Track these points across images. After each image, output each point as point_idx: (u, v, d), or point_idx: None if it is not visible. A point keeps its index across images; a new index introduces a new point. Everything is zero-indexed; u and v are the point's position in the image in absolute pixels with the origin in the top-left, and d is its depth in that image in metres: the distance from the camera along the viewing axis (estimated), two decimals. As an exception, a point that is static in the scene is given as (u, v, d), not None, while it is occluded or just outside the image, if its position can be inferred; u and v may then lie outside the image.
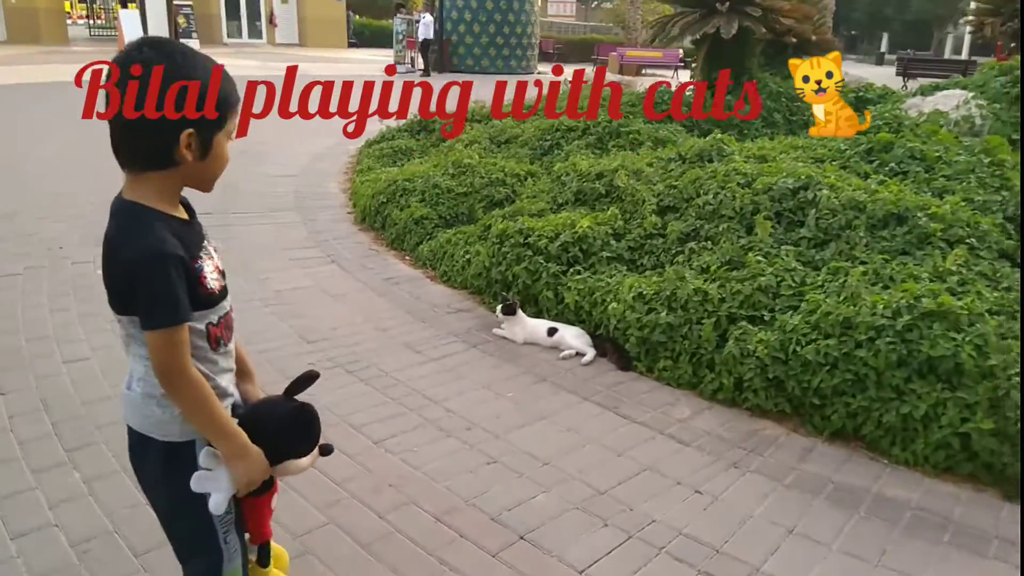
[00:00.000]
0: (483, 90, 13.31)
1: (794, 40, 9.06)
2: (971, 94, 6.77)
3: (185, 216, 1.55)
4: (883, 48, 49.85)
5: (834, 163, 4.83)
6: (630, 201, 4.76)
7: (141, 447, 1.57)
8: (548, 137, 6.76)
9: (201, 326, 1.51)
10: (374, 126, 9.19)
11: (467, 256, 4.83)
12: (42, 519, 2.42)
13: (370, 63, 27.51)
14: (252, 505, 1.74)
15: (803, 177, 4.28)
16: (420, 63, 23.73)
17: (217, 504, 1.54)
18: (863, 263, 3.69)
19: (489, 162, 6.16)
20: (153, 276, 1.38)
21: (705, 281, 3.78)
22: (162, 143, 1.41)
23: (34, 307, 4.17)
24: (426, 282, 4.98)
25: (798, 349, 3.22)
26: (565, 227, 4.44)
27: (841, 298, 3.35)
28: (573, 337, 3.93)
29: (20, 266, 4.81)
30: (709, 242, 4.19)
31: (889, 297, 3.22)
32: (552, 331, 3.98)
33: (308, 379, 1.68)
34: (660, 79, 22.41)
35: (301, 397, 1.70)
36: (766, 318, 3.53)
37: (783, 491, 2.80)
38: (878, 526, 2.60)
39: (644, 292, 3.83)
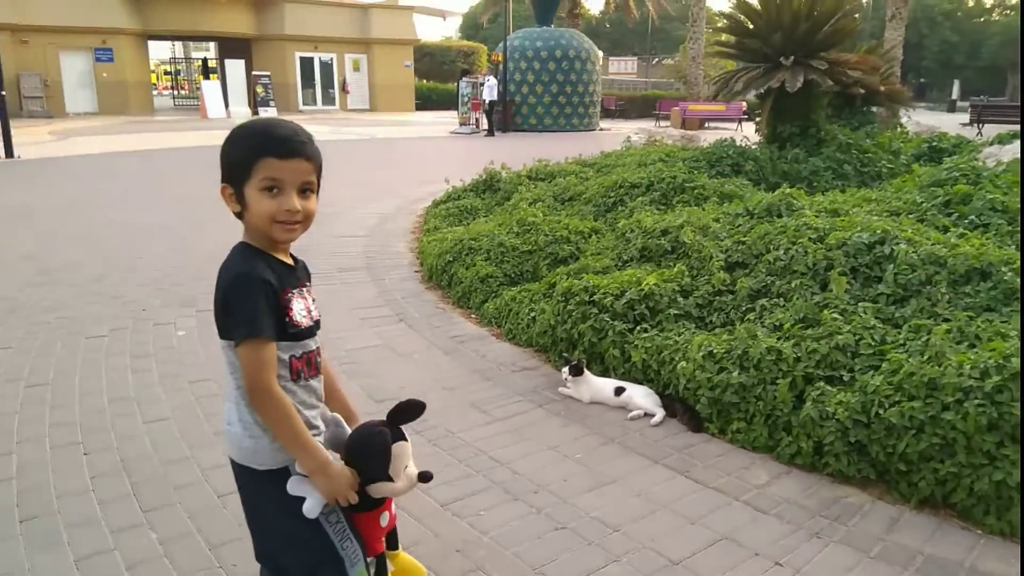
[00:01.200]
0: (547, 148, 13.57)
1: (862, 91, 8.94)
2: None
3: (290, 262, 1.76)
4: (954, 95, 48.71)
5: (910, 216, 4.68)
6: (696, 258, 4.70)
7: (243, 477, 1.72)
8: (612, 194, 6.77)
9: (285, 356, 1.67)
10: (440, 186, 9.39)
11: (532, 314, 4.83)
12: (119, 580, 2.47)
13: (436, 125, 28.36)
14: (358, 520, 1.84)
15: (879, 231, 4.15)
16: (485, 123, 24.30)
17: (310, 508, 1.66)
18: (946, 320, 3.53)
19: (553, 220, 6.20)
20: (240, 293, 1.59)
21: (779, 340, 3.67)
22: (222, 196, 1.69)
23: (117, 369, 4.33)
24: (491, 340, 4.99)
25: (881, 412, 3.08)
26: (631, 284, 4.41)
27: (925, 358, 3.20)
28: (641, 397, 3.86)
29: (106, 328, 5.03)
30: (781, 299, 4.08)
31: (976, 356, 3.06)
32: (619, 390, 3.92)
33: (414, 408, 1.88)
34: (724, 131, 22.32)
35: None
36: (845, 379, 3.40)
37: (870, 564, 2.64)
38: (977, 605, 2.43)
39: (714, 351, 3.74)
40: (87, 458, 3.29)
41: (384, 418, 1.89)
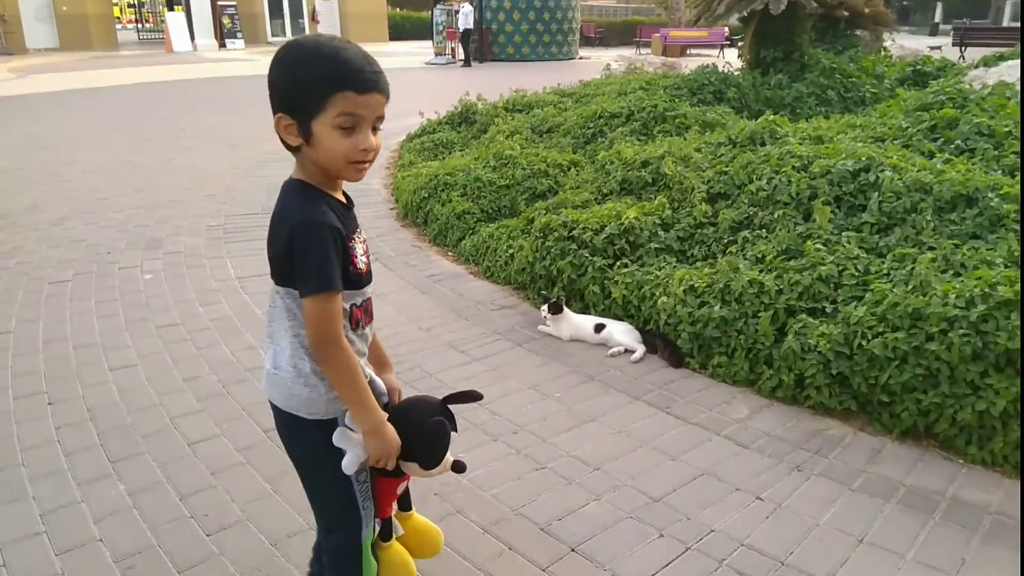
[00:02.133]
0: (524, 78, 13.19)
1: (846, 14, 8.71)
2: (1041, 62, 6.37)
3: (344, 201, 1.63)
4: (937, 18, 48.02)
5: (896, 142, 4.57)
6: (678, 189, 4.58)
7: (289, 425, 1.65)
8: (591, 125, 6.59)
9: (346, 305, 1.58)
10: (414, 119, 9.12)
11: (510, 251, 4.72)
12: (87, 534, 2.40)
13: (411, 55, 27.58)
14: (379, 483, 1.81)
15: (863, 158, 4.05)
16: (461, 53, 23.66)
17: (348, 463, 1.61)
18: (931, 249, 3.47)
19: (531, 153, 6.03)
20: (313, 242, 1.46)
21: (761, 272, 3.60)
22: (277, 127, 1.51)
23: (82, 314, 4.20)
24: (469, 278, 4.89)
25: (864, 343, 3.03)
26: (610, 219, 4.29)
27: (909, 287, 3.14)
28: (622, 333, 3.79)
29: (69, 272, 4.86)
30: (764, 230, 3.99)
31: (962, 286, 3.00)
32: (599, 327, 3.85)
33: (471, 396, 1.83)
34: (705, 57, 21.88)
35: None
36: (828, 310, 3.34)
37: (851, 496, 2.62)
38: (956, 533, 2.42)
39: (696, 285, 3.67)
40: (52, 408, 3.18)
41: (441, 399, 1.82)
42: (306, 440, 1.65)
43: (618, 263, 4.10)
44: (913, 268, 3.29)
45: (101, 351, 3.74)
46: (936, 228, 3.60)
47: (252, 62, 24.03)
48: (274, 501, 2.58)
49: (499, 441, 2.98)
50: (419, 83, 17.42)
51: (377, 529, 1.88)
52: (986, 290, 2.91)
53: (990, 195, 3.62)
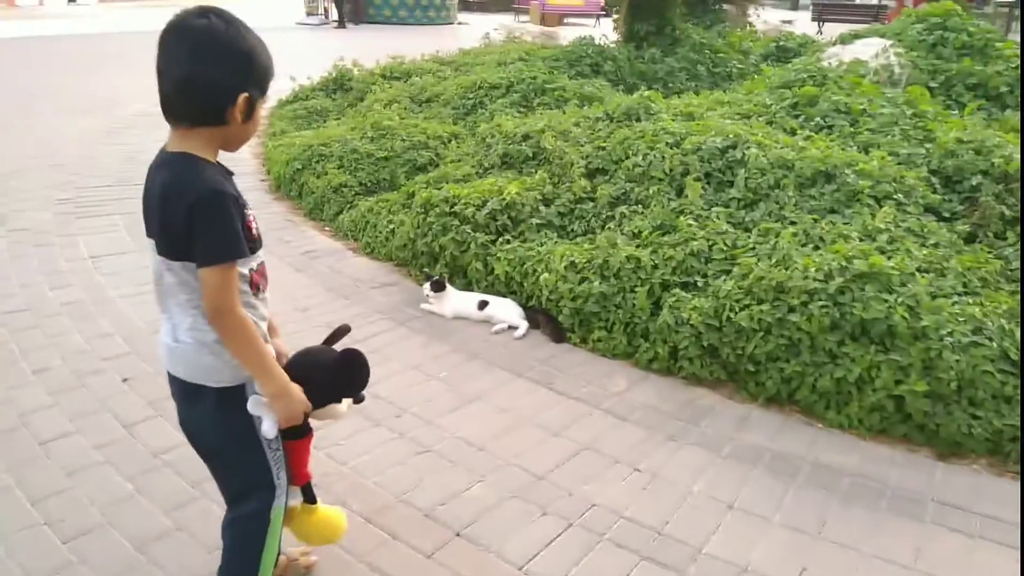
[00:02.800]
0: (402, 42, 12.85)
1: (715, -11, 8.97)
2: (889, 42, 6.81)
3: (226, 168, 1.64)
4: (798, -7, 50.43)
5: (761, 119, 4.77)
6: (558, 164, 4.60)
7: (192, 396, 1.64)
8: (471, 95, 6.51)
9: (245, 271, 1.61)
10: (285, 84, 8.70)
11: (391, 226, 4.61)
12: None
13: (280, 14, 26.32)
14: (291, 448, 1.81)
15: (731, 136, 4.20)
16: (335, 14, 22.76)
17: (268, 428, 1.64)
18: (793, 223, 3.66)
19: (410, 124, 5.90)
20: (216, 213, 1.49)
21: (637, 247, 3.68)
22: (219, 102, 1.51)
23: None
24: (348, 255, 4.75)
25: (732, 316, 3.17)
26: (492, 194, 4.27)
27: (773, 262, 3.31)
28: (504, 310, 3.80)
29: None
30: (640, 206, 4.09)
31: (821, 259, 3.18)
32: (483, 304, 3.84)
33: (342, 332, 1.90)
34: (583, 27, 22.10)
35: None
36: (699, 284, 3.47)
37: (721, 463, 2.75)
38: (817, 495, 2.58)
39: (576, 261, 3.71)
40: None
41: (322, 343, 1.89)
42: (213, 408, 1.64)
43: (500, 239, 4.09)
44: (776, 242, 3.46)
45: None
46: (797, 203, 3.79)
47: (100, 18, 22.24)
48: (137, 502, 2.42)
49: (382, 426, 2.92)
50: (290, 44, 16.65)
51: (299, 497, 1.90)
52: (843, 264, 3.10)
53: (847, 171, 3.85)
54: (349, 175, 5.35)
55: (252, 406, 1.63)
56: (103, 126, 7.98)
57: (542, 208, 4.26)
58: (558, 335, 3.65)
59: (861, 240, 3.39)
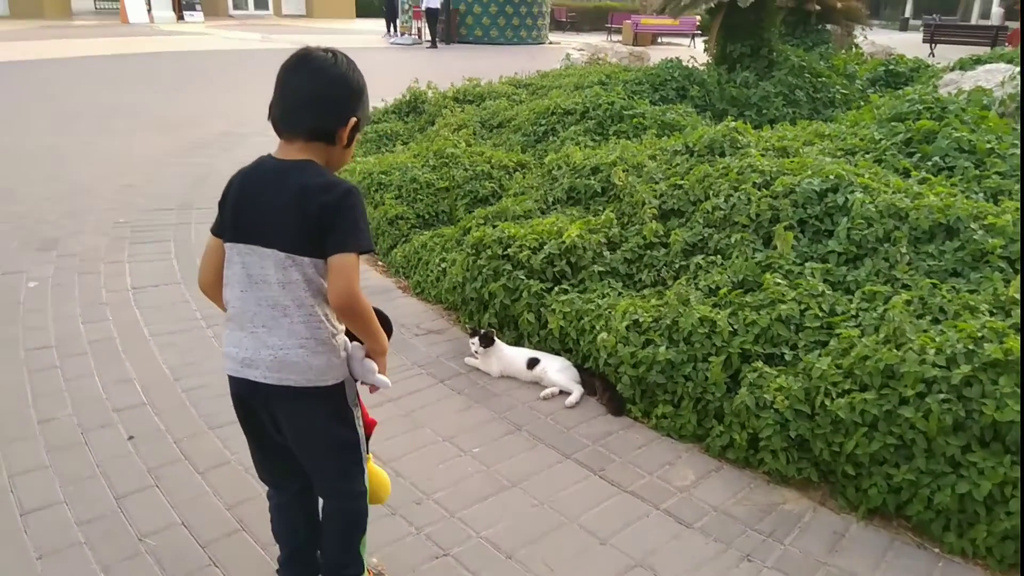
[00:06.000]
0: (490, 62, 12.60)
1: (818, 8, 8.30)
2: (1017, 69, 6.01)
3: None
4: (907, 13, 48.07)
5: (867, 156, 4.14)
6: (628, 202, 4.11)
7: (304, 400, 1.73)
8: (543, 121, 6.08)
9: None
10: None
11: (442, 265, 4.22)
12: None
13: (376, 34, 26.79)
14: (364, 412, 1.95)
15: (832, 177, 3.61)
16: (427, 34, 22.89)
17: (385, 381, 1.82)
18: (906, 287, 3.05)
19: (475, 151, 5.52)
20: (358, 206, 1.65)
21: (713, 307, 3.15)
22: (335, 122, 1.68)
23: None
24: (397, 294, 4.39)
25: (827, 402, 2.60)
26: (551, 235, 3.81)
27: (881, 336, 2.72)
28: (557, 371, 3.33)
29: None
30: (719, 256, 3.55)
31: (942, 339, 2.58)
32: (533, 362, 3.38)
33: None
34: (677, 47, 21.43)
35: None
36: (787, 357, 2.91)
37: (809, 597, 2.20)
38: (932, 653, 2.00)
39: (640, 319, 3.21)
40: None
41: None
42: (331, 405, 1.77)
43: (557, 288, 3.63)
44: (885, 311, 2.86)
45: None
46: (912, 262, 3.18)
47: (207, 36, 23.09)
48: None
49: (398, 515, 2.50)
50: (380, 64, 16.72)
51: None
52: (970, 347, 2.49)
53: (972, 225, 3.20)
54: (406, 206, 5.01)
55: (365, 372, 1.79)
56: (179, 146, 7.97)
57: (606, 253, 3.78)
58: (617, 407, 3.15)
59: (992, 314, 2.76)
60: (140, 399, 3.17)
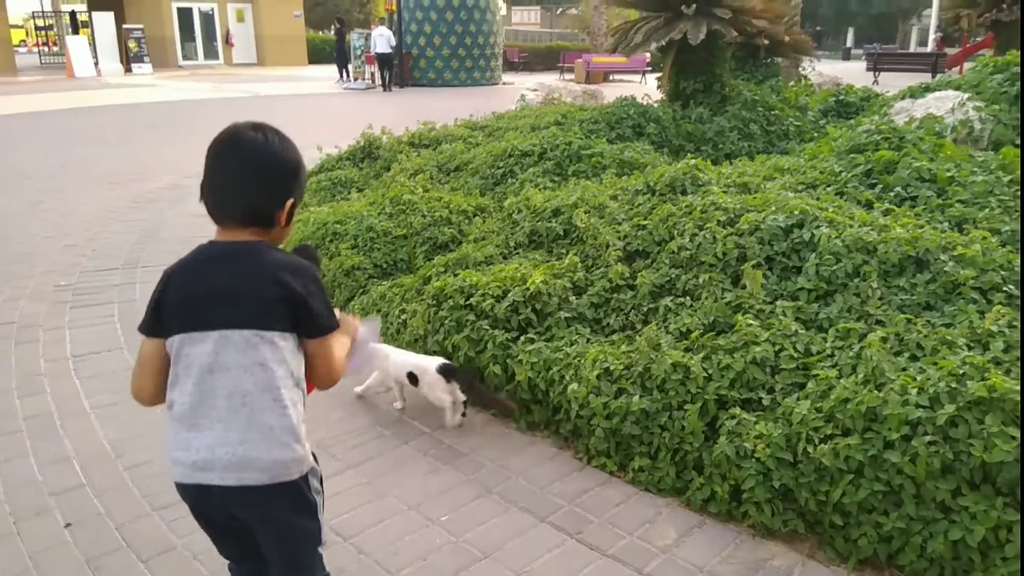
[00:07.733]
0: (444, 104, 12.58)
1: (766, 42, 8.43)
2: (967, 95, 6.12)
3: None
4: (848, 43, 49.81)
5: (829, 189, 4.12)
6: (592, 244, 4.01)
7: (276, 497, 1.62)
8: (501, 163, 5.99)
9: None
10: (313, 154, 8.38)
11: (403, 317, 4.06)
12: None
13: (329, 80, 26.77)
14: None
15: (796, 212, 3.55)
16: (380, 78, 22.96)
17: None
18: (879, 323, 2.98)
19: (432, 197, 5.39)
20: (320, 287, 1.64)
21: (686, 351, 3.04)
22: (271, 206, 1.62)
23: None
24: (356, 349, 4.20)
25: (810, 449, 2.49)
26: (515, 282, 3.68)
27: (860, 377, 2.62)
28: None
29: None
30: (688, 297, 3.45)
31: (923, 377, 2.49)
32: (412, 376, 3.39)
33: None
34: (628, 83, 21.74)
35: None
36: (765, 401, 2.80)
37: (806, 665, 2.05)
38: None
39: (611, 367, 3.08)
40: None
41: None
42: (294, 500, 1.66)
43: (523, 337, 3.49)
44: (862, 349, 2.77)
45: None
46: (883, 297, 3.11)
47: (157, 88, 22.81)
48: None
49: (360, 599, 2.30)
50: (333, 109, 16.65)
51: None
52: (953, 385, 2.41)
53: (942, 257, 3.16)
54: (363, 256, 4.84)
55: (363, 354, 1.98)
56: (126, 200, 7.71)
57: (572, 298, 3.66)
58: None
59: (970, 348, 2.70)
60: (79, 480, 2.94)
